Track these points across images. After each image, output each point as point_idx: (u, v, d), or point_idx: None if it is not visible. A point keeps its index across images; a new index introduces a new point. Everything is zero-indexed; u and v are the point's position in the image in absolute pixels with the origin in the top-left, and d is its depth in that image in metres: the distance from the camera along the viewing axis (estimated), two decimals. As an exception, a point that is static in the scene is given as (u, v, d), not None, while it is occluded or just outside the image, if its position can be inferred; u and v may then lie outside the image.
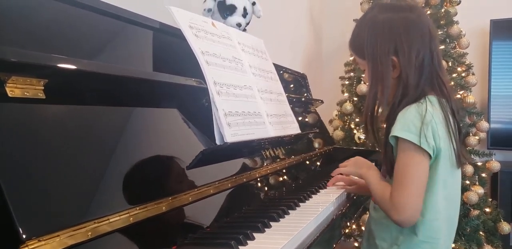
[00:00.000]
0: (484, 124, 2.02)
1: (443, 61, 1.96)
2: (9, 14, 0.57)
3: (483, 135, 2.10)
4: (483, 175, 2.04)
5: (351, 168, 1.03)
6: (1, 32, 0.56)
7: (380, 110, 0.91)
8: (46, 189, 0.48)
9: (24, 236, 0.41)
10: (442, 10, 2.07)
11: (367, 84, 0.92)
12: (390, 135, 0.82)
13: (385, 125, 0.89)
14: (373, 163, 1.01)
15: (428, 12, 2.05)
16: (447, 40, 2.08)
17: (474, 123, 2.04)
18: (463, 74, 2.06)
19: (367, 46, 0.87)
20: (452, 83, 1.98)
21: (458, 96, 2.00)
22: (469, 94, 2.02)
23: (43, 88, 0.54)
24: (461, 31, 2.06)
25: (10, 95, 0.50)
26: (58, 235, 0.44)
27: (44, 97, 0.54)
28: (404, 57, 0.83)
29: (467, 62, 2.09)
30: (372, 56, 0.87)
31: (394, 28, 0.84)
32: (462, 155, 0.86)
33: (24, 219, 0.42)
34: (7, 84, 0.50)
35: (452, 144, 0.83)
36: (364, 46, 0.87)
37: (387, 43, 0.84)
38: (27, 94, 0.53)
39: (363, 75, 2.11)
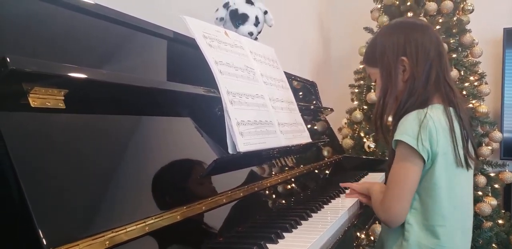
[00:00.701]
0: (497, 134, 1.99)
1: (455, 70, 1.96)
2: (26, 24, 0.59)
3: (496, 145, 2.07)
4: (496, 186, 2.01)
5: (362, 184, 1.08)
6: (21, 42, 0.58)
7: (390, 118, 0.92)
8: (68, 200, 0.48)
9: (45, 245, 0.42)
10: (455, 19, 2.05)
11: (377, 91, 0.94)
12: (393, 139, 0.85)
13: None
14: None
15: (440, 20, 2.04)
16: (460, 48, 2.06)
17: (487, 133, 2.01)
18: (475, 83, 2.04)
19: (378, 50, 0.91)
20: (465, 92, 1.96)
21: (471, 105, 1.98)
22: (481, 103, 2.00)
23: (63, 98, 0.56)
24: (474, 39, 2.04)
25: (32, 105, 0.52)
26: (77, 245, 0.45)
27: (64, 107, 0.55)
28: (412, 59, 0.86)
29: (480, 71, 2.07)
30: (382, 57, 0.90)
31: (401, 41, 0.88)
32: (470, 158, 0.86)
33: (46, 229, 0.43)
34: (30, 95, 0.52)
35: (456, 148, 0.83)
36: (376, 53, 0.92)
37: (396, 45, 0.88)
38: (48, 104, 0.54)
39: (373, 83, 2.11)
